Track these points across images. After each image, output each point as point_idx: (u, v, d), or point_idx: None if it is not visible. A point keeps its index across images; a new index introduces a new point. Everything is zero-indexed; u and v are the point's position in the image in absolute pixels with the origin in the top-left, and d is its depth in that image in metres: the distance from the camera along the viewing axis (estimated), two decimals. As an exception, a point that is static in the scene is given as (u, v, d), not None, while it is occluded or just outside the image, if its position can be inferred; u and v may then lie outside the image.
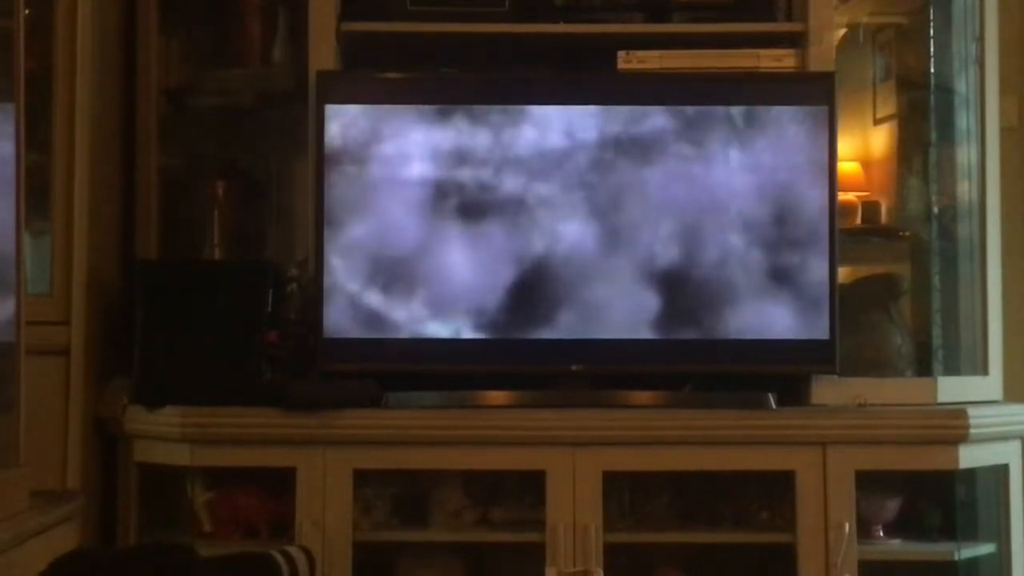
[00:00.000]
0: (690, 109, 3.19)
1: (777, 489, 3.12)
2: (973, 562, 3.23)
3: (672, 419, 3.09)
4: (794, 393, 3.21)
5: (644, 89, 3.24)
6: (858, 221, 3.43)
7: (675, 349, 3.18)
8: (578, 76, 3.34)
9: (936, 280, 3.35)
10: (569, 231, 3.19)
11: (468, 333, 3.18)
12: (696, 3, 3.40)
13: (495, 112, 3.20)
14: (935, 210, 3.36)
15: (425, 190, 3.19)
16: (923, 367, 3.33)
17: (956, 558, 3.15)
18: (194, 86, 3.47)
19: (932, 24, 3.39)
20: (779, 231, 3.18)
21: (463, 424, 3.07)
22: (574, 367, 3.18)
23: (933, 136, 3.38)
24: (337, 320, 3.17)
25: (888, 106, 3.50)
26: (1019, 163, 3.56)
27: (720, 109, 3.19)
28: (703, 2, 3.40)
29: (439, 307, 3.18)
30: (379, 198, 3.18)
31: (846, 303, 3.21)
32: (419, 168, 3.19)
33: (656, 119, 3.19)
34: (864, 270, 3.42)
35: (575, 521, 3.04)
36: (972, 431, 3.09)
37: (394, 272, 3.18)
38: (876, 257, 3.45)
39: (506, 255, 3.19)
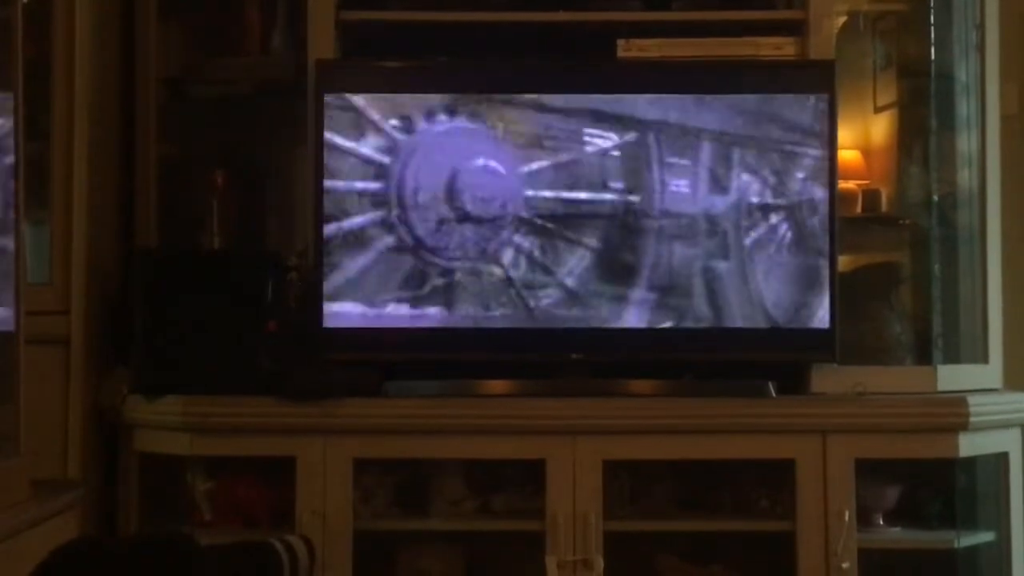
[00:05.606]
0: (690, 97, 3.19)
1: (777, 477, 3.12)
2: (973, 550, 3.23)
3: (672, 407, 3.09)
4: (794, 381, 3.21)
5: (644, 77, 3.24)
6: (858, 209, 3.42)
7: (675, 338, 3.18)
8: (578, 64, 3.33)
9: (936, 268, 3.34)
10: (568, 221, 3.19)
11: (468, 322, 3.17)
12: (696, -9, 3.40)
13: (495, 100, 3.19)
14: (935, 198, 3.35)
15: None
16: (923, 355, 3.32)
17: (956, 546, 3.15)
18: (193, 74, 3.46)
19: (932, 11, 3.38)
20: (779, 220, 3.18)
21: (463, 413, 3.07)
22: (574, 356, 3.18)
23: (933, 124, 3.37)
24: (337, 309, 3.17)
25: (888, 94, 3.49)
26: (1019, 151, 3.55)
27: (720, 97, 3.19)
28: (703, -10, 3.40)
29: (440, 297, 3.18)
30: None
31: (846, 291, 3.21)
32: (419, 157, 3.20)
33: (655, 108, 3.19)
34: (864, 258, 3.42)
35: (575, 509, 3.04)
36: (972, 419, 3.09)
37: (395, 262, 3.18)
38: (876, 245, 3.45)
39: (506, 246, 3.19)
